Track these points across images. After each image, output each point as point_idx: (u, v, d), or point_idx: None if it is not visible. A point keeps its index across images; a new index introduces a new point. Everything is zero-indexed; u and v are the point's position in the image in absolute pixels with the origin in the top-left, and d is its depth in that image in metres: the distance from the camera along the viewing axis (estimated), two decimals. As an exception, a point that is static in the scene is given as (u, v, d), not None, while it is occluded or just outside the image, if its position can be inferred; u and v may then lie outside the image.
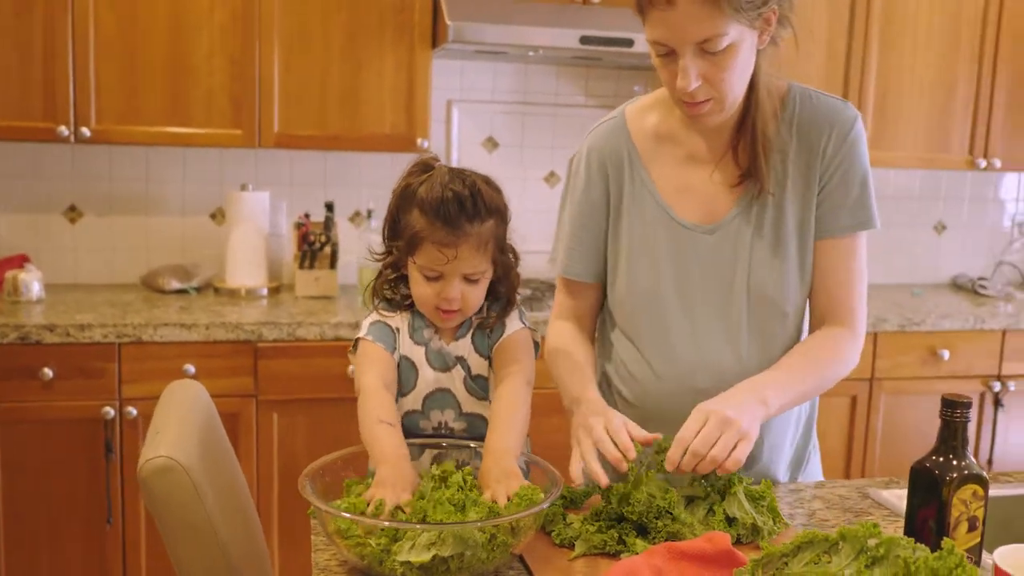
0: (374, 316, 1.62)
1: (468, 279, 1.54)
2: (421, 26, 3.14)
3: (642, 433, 1.45)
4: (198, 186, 3.43)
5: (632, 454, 1.42)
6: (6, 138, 2.99)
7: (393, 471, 1.38)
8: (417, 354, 1.61)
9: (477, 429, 1.59)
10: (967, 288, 3.96)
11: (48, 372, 2.71)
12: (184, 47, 3.01)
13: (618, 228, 1.67)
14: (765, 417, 1.46)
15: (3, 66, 2.89)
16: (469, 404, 1.60)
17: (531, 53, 3.27)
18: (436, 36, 3.15)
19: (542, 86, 3.64)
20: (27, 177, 3.29)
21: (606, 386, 1.77)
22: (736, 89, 1.48)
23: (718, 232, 1.60)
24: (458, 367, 1.60)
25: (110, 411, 2.75)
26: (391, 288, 1.63)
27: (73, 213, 3.35)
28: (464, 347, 1.62)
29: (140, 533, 2.84)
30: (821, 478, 1.80)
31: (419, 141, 3.19)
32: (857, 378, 3.30)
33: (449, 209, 1.50)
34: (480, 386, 1.61)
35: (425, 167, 1.58)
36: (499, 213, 1.57)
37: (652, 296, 1.63)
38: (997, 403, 3.42)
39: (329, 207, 3.32)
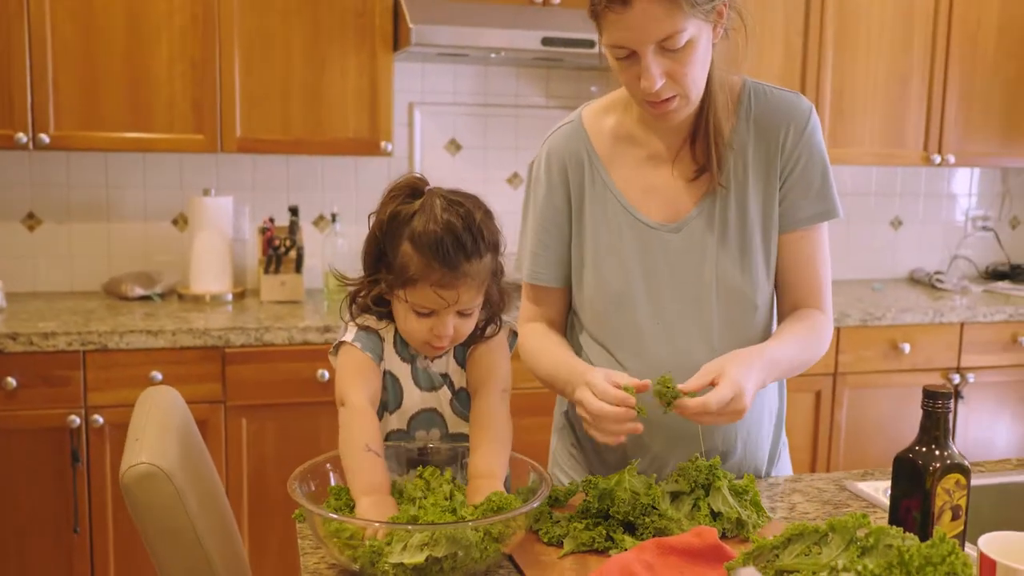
0: (360, 319, 1.54)
1: (461, 313, 1.47)
2: (382, 29, 3.14)
3: (628, 379, 1.42)
4: (159, 192, 3.39)
5: (631, 401, 1.39)
6: (-37, 145, 2.93)
7: (374, 507, 1.32)
8: (403, 371, 1.53)
9: (462, 448, 1.55)
10: (924, 282, 4.04)
11: (12, 381, 2.66)
12: (144, 51, 2.97)
13: (582, 231, 1.66)
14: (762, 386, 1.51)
15: (-41, 72, 2.84)
16: (455, 424, 1.55)
17: (493, 55, 3.28)
18: (397, 39, 3.15)
19: (503, 88, 3.65)
20: (-16, 184, 3.24)
21: None
22: (699, 83, 1.50)
23: (683, 230, 1.61)
24: (444, 387, 1.55)
25: (76, 419, 2.71)
26: (369, 302, 1.53)
27: (31, 220, 3.29)
28: (446, 364, 1.56)
29: (108, 541, 2.80)
30: (791, 472, 1.83)
31: (383, 144, 3.19)
32: (821, 373, 3.35)
33: (448, 249, 1.40)
34: (463, 403, 1.55)
35: (413, 191, 1.47)
36: (496, 246, 1.50)
37: (622, 297, 1.63)
38: (957, 395, 3.49)
39: (293, 211, 3.30)
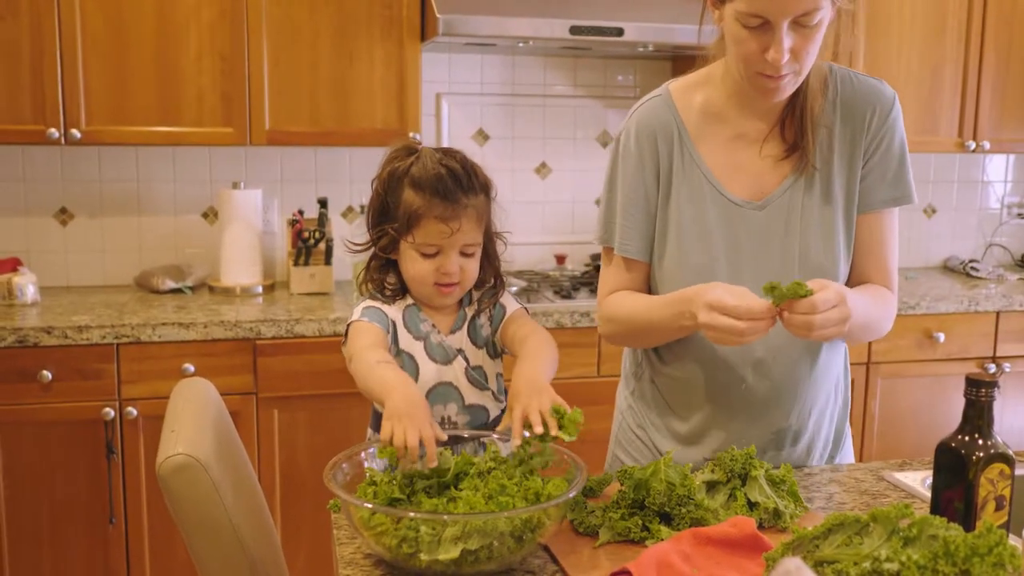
0: (366, 302, 1.66)
1: (464, 252, 1.61)
2: (410, 19, 3.13)
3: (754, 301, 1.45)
4: (189, 185, 3.40)
5: (767, 308, 1.42)
6: (-4, 141, 2.96)
7: (403, 399, 1.38)
8: (416, 349, 1.63)
9: (479, 421, 1.61)
10: (958, 271, 3.99)
11: (47, 374, 2.68)
12: (172, 46, 2.98)
13: (667, 205, 1.67)
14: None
15: (-9, 68, 2.87)
16: (471, 396, 1.64)
17: (520, 44, 3.27)
18: (425, 29, 3.14)
19: (530, 77, 3.63)
20: (17, 180, 3.27)
21: (646, 364, 1.77)
22: (812, 62, 1.53)
23: (768, 208, 1.63)
24: (459, 358, 1.63)
25: (110, 412, 2.73)
26: (380, 276, 1.67)
27: (64, 215, 3.32)
28: (461, 339, 1.66)
29: (143, 532, 2.83)
30: (853, 461, 1.80)
31: (411, 135, 3.18)
32: (854, 362, 3.31)
33: (447, 184, 1.56)
34: (480, 375, 1.64)
35: (409, 150, 1.63)
36: (489, 188, 1.66)
37: (703, 272, 1.62)
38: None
39: (322, 203, 3.30)
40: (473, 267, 1.64)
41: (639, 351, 1.79)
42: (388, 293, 1.67)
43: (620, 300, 1.70)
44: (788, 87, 1.54)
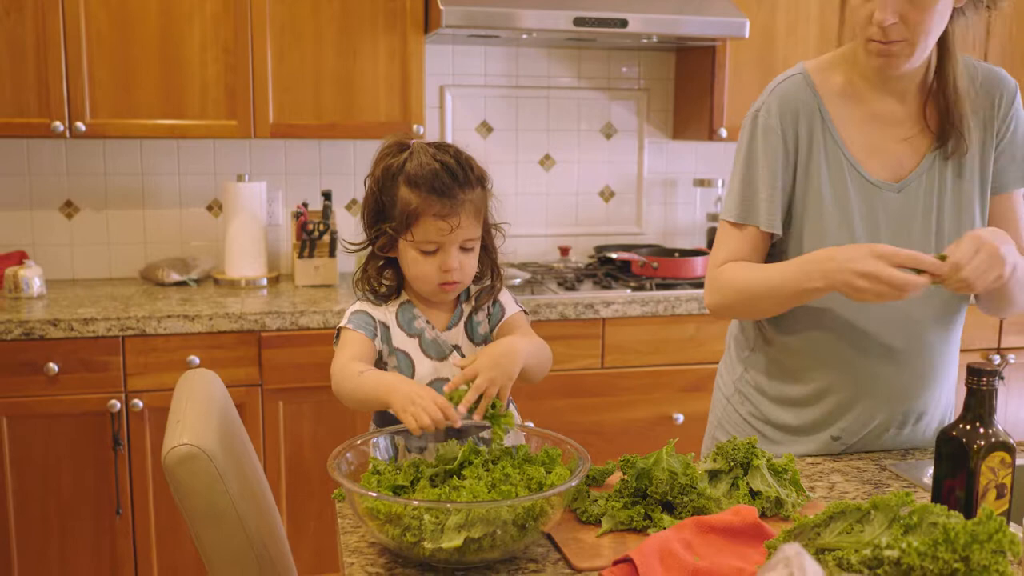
0: (356, 305, 1.66)
1: (464, 247, 1.59)
2: (413, 11, 3.13)
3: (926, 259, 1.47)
4: (193, 178, 3.41)
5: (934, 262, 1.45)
6: (0, 135, 2.96)
7: (408, 387, 1.41)
8: (411, 346, 1.63)
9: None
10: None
11: (53, 367, 2.70)
12: (176, 39, 2.99)
13: (807, 182, 1.67)
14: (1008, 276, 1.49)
15: (-4, 61, 2.88)
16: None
17: (524, 36, 3.27)
18: (428, 21, 3.14)
19: (534, 69, 3.63)
20: (22, 173, 3.28)
21: (759, 340, 1.80)
22: (929, 36, 1.53)
23: (906, 189, 1.65)
24: (455, 355, 1.63)
25: (116, 404, 2.74)
26: (377, 276, 1.66)
27: (69, 208, 3.33)
28: (457, 336, 1.66)
29: (150, 523, 2.84)
30: None
31: (414, 127, 3.18)
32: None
33: (443, 180, 1.54)
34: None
35: (401, 146, 1.61)
36: (485, 180, 1.63)
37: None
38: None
39: (327, 196, 3.31)
40: (472, 262, 1.62)
41: (750, 331, 1.81)
42: (383, 292, 1.66)
43: (736, 268, 1.69)
44: (901, 56, 1.55)
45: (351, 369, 1.53)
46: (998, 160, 1.68)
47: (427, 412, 1.36)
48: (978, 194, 1.68)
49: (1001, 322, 3.44)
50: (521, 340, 1.55)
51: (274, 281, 3.34)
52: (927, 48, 1.56)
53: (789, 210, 1.69)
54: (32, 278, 2.99)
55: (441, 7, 2.97)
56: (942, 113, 1.64)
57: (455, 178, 1.55)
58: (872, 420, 1.71)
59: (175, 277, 3.23)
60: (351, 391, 1.52)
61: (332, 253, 3.28)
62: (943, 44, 1.60)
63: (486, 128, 3.63)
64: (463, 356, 1.64)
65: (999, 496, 1.24)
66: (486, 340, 1.68)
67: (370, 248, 1.66)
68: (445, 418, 1.37)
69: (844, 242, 1.62)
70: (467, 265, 1.61)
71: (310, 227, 3.26)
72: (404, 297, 1.67)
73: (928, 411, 1.75)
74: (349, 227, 3.47)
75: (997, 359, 3.44)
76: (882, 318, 1.66)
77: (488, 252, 1.68)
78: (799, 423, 1.75)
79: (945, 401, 1.79)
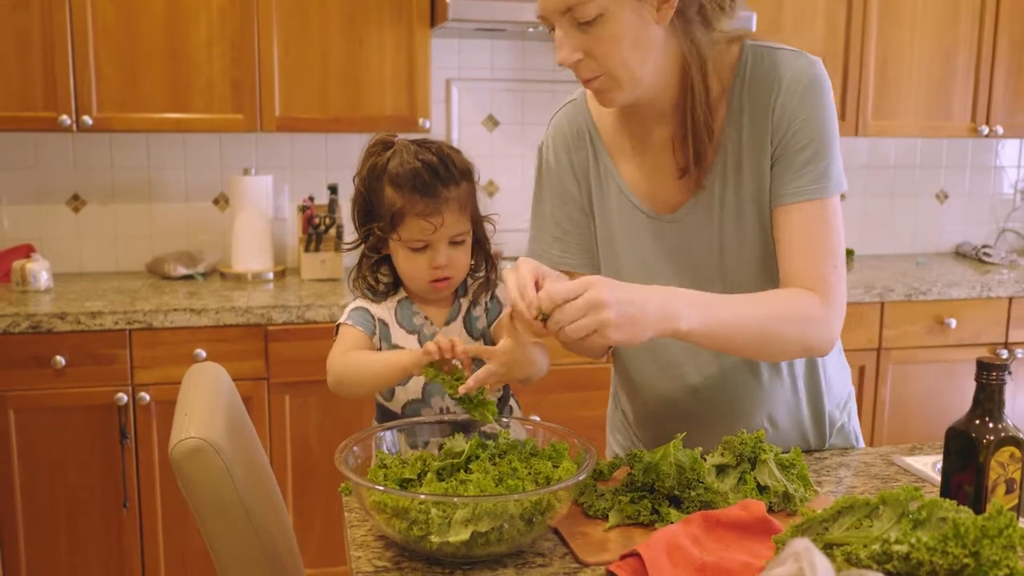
0: (356, 302, 1.68)
1: (453, 242, 1.60)
2: (419, 5, 3.13)
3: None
4: (200, 172, 3.41)
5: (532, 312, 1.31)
6: (8, 128, 2.97)
7: (413, 350, 1.51)
8: (410, 342, 1.64)
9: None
10: (971, 256, 3.97)
11: (60, 360, 2.70)
12: (183, 32, 2.99)
13: (598, 213, 1.60)
14: (669, 331, 1.31)
15: (2, 57, 2.87)
16: None
17: (530, 29, 3.26)
18: (434, 14, 3.13)
19: (540, 63, 3.62)
20: (29, 167, 3.28)
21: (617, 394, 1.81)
22: (630, 65, 1.38)
23: (683, 220, 1.53)
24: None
25: (123, 397, 2.75)
26: (373, 274, 1.67)
27: (76, 202, 3.33)
28: (456, 330, 1.66)
29: (157, 516, 2.85)
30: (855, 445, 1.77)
31: (420, 121, 3.18)
32: (865, 348, 3.31)
33: (424, 179, 1.55)
34: (477, 366, 1.58)
35: (385, 144, 1.62)
36: (470, 174, 1.63)
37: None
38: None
39: (333, 189, 3.31)
40: (463, 256, 1.63)
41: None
42: (381, 290, 1.68)
43: None
44: (610, 92, 1.42)
45: (353, 356, 1.59)
46: (775, 166, 1.45)
47: (438, 342, 1.45)
48: (757, 211, 1.48)
49: (1009, 316, 3.43)
50: (539, 352, 1.54)
51: (280, 275, 3.34)
52: (639, 75, 1.40)
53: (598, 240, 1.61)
54: (39, 272, 3.00)
55: (447, 0, 2.96)
56: (688, 144, 1.46)
57: (437, 176, 1.56)
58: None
59: (182, 271, 3.23)
60: (355, 370, 1.58)
61: (338, 247, 3.27)
62: (683, 62, 1.43)
63: (492, 122, 3.63)
64: None
65: (1008, 491, 1.23)
66: (484, 334, 1.69)
67: (363, 247, 1.68)
68: (452, 348, 1.45)
69: (629, 276, 1.53)
70: (457, 260, 1.62)
71: (316, 221, 3.26)
72: (402, 294, 1.69)
73: (767, 436, 1.60)
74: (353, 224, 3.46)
75: (1005, 353, 3.43)
76: (676, 351, 1.58)
77: (481, 244, 1.68)
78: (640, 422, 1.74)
79: (799, 423, 1.66)
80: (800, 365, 1.64)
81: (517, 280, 1.33)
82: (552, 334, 1.28)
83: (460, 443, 1.41)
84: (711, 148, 1.47)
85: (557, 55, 1.39)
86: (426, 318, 1.66)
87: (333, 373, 1.61)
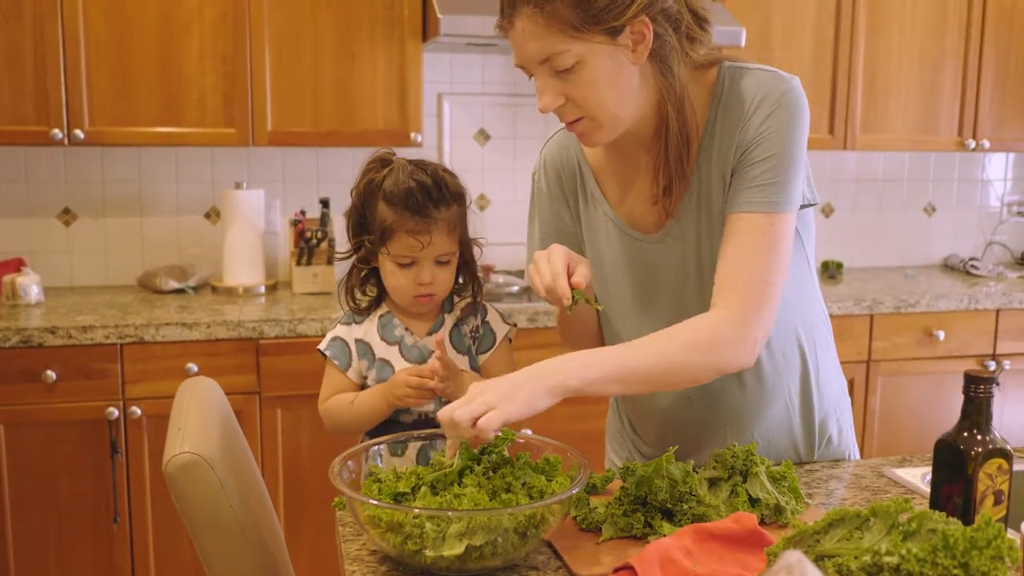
0: (336, 329, 1.76)
1: (439, 261, 1.68)
2: (411, 20, 3.14)
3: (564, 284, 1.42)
4: (191, 186, 3.42)
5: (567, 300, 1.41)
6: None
7: (387, 385, 1.65)
8: (392, 353, 1.72)
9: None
10: (959, 269, 4.00)
11: (51, 374, 2.70)
12: (175, 47, 3.00)
13: (587, 238, 1.64)
14: (560, 388, 1.32)
15: (-5, 69, 2.88)
16: None
17: (522, 45, 3.27)
18: (426, 29, 3.15)
19: (533, 78, 3.64)
20: (20, 181, 3.28)
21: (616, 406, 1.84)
22: (610, 107, 1.41)
23: (666, 241, 1.55)
24: (434, 358, 1.66)
25: (114, 411, 2.74)
26: (361, 285, 1.76)
27: (67, 216, 3.33)
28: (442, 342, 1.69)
29: (148, 531, 2.84)
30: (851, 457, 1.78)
31: (412, 135, 3.19)
32: (854, 360, 3.33)
33: (417, 198, 1.63)
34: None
35: (384, 162, 1.69)
36: (462, 198, 1.71)
37: (625, 304, 1.62)
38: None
39: (324, 203, 3.32)
40: (447, 275, 1.70)
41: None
42: (364, 307, 1.76)
43: None
44: (592, 133, 1.45)
45: (340, 403, 1.73)
46: (732, 176, 1.47)
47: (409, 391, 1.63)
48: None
49: (996, 328, 3.45)
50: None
51: (272, 289, 3.34)
52: (621, 115, 1.42)
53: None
54: (30, 286, 2.99)
55: (439, 15, 2.98)
56: (666, 165, 1.48)
57: (429, 196, 1.63)
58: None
59: (173, 285, 3.23)
60: (348, 419, 1.72)
61: (330, 261, 3.28)
62: (661, 95, 1.44)
63: (484, 136, 3.64)
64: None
65: (997, 502, 1.25)
66: (469, 351, 1.76)
67: (354, 257, 1.75)
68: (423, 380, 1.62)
69: (618, 295, 1.61)
70: (441, 279, 1.69)
71: (308, 235, 3.26)
72: (384, 309, 1.76)
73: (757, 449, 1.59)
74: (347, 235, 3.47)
75: (993, 365, 3.45)
76: None
77: (469, 266, 1.75)
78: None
79: (785, 435, 1.68)
80: (794, 382, 1.66)
81: (551, 267, 1.42)
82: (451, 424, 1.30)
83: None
84: (682, 181, 1.49)
85: (539, 103, 1.42)
86: (407, 329, 1.74)
87: (325, 420, 1.77)
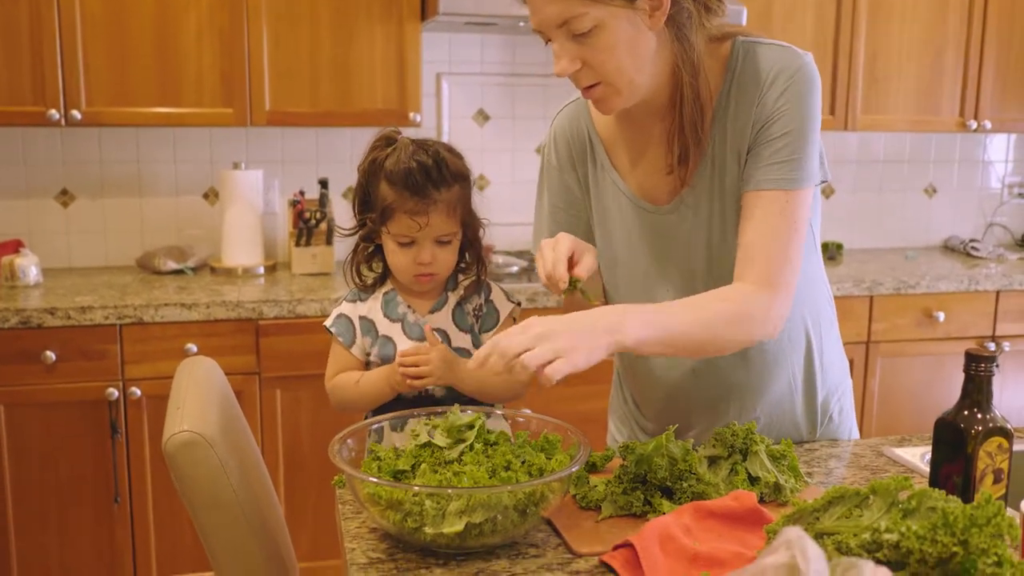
0: (341, 306, 1.78)
1: (439, 241, 1.68)
2: (410, -1, 3.13)
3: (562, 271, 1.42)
4: (190, 166, 3.41)
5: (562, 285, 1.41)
6: (-4, 123, 2.96)
7: (388, 367, 1.66)
8: (394, 330, 1.73)
9: (459, 395, 1.65)
10: (959, 250, 3.99)
11: (51, 355, 2.70)
12: (172, 26, 2.98)
13: (596, 212, 1.64)
14: (616, 346, 1.32)
15: (-9, 50, 2.87)
16: None
17: (521, 24, 3.26)
18: (425, 8, 3.13)
19: (531, 57, 3.63)
20: (18, 162, 3.27)
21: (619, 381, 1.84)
22: (628, 72, 1.41)
23: (678, 211, 1.55)
24: (436, 336, 1.69)
25: (114, 392, 2.74)
26: (367, 262, 1.77)
27: (65, 197, 3.32)
28: (442, 320, 1.74)
29: (148, 510, 2.84)
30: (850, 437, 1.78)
31: (411, 115, 3.18)
32: (854, 341, 3.33)
33: (416, 179, 1.63)
34: (463, 356, 1.69)
35: (388, 140, 1.69)
36: (464, 178, 1.70)
37: (636, 275, 1.62)
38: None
39: (323, 184, 3.31)
40: (448, 256, 1.70)
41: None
42: (370, 284, 1.77)
43: None
44: (608, 99, 1.44)
45: (346, 381, 1.73)
46: (748, 153, 1.48)
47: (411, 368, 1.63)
48: (739, 206, 1.50)
49: (996, 309, 3.45)
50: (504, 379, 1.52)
51: (271, 269, 3.33)
52: (637, 81, 1.42)
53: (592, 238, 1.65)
54: (29, 267, 2.99)
55: (438, -6, 2.96)
56: (678, 142, 1.49)
57: (429, 177, 1.63)
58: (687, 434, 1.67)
59: (172, 265, 3.23)
60: (354, 397, 1.72)
61: (329, 241, 3.27)
62: (673, 64, 1.45)
63: (483, 116, 3.63)
64: (449, 341, 1.72)
65: (996, 481, 1.25)
66: (472, 329, 1.76)
67: (359, 235, 1.76)
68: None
69: (629, 267, 1.60)
70: (442, 259, 1.69)
71: (307, 215, 3.25)
72: (389, 286, 1.77)
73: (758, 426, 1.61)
74: (346, 215, 3.45)
75: (992, 346, 3.45)
76: None
77: (473, 245, 1.76)
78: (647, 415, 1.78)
79: (791, 414, 1.69)
80: (799, 359, 1.66)
81: (554, 255, 1.42)
82: (500, 369, 1.26)
83: (458, 417, 1.40)
84: (697, 148, 1.50)
85: (555, 66, 1.41)
86: (409, 307, 1.75)
87: (331, 397, 1.78)
